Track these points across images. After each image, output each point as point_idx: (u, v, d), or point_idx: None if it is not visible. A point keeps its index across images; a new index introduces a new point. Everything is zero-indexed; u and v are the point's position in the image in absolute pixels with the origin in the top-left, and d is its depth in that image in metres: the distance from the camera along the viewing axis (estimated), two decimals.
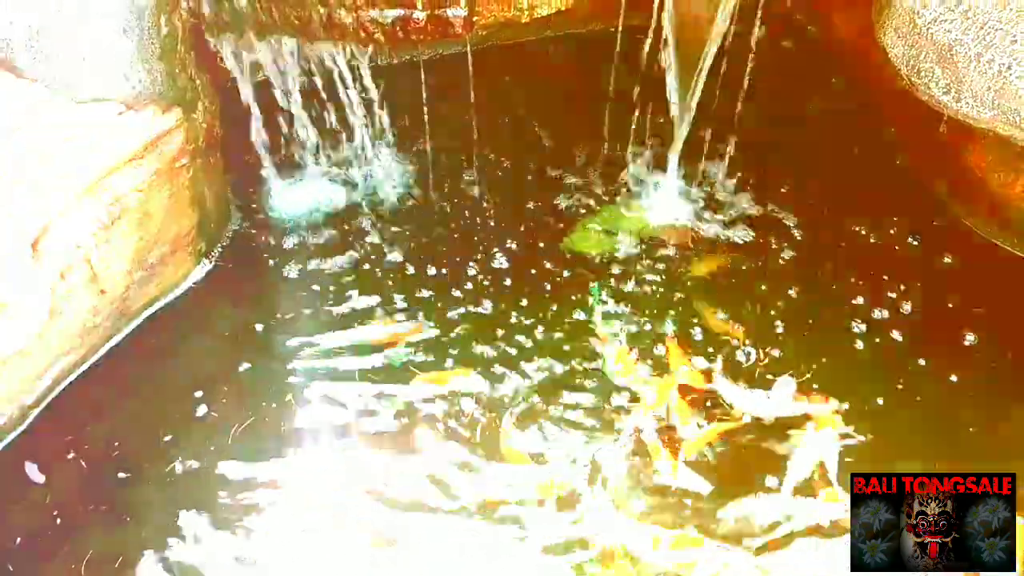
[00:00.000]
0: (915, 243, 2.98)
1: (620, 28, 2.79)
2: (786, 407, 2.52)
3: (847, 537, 2.00)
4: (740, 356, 2.65)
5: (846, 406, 2.52)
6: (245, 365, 2.62)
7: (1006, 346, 2.66)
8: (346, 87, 2.89)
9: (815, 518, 2.30)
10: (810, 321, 2.75)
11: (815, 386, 2.57)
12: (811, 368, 2.61)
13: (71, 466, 2.36)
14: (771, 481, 2.37)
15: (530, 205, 3.12)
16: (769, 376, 2.59)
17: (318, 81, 2.86)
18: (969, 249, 2.93)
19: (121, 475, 2.35)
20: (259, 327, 2.72)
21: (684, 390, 2.56)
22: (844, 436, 2.45)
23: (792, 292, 2.83)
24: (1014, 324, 2.72)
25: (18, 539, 2.21)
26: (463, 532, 2.27)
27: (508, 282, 2.87)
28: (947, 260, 2.91)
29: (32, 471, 2.33)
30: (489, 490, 2.35)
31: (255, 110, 2.85)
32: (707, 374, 2.60)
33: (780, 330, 2.71)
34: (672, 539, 2.26)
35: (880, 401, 2.54)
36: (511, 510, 2.32)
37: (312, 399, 2.55)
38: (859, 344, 2.68)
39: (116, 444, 2.41)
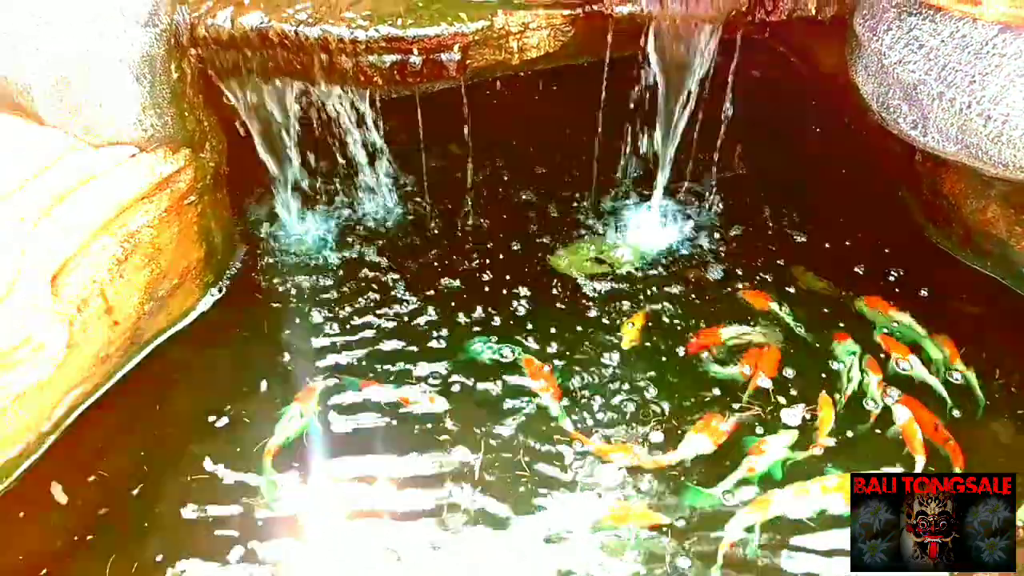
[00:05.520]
0: (900, 273, 3.07)
1: (608, 60, 2.92)
2: None
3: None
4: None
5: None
6: (252, 390, 2.72)
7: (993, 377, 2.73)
8: (347, 123, 3.03)
9: None
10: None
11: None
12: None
13: (86, 490, 2.45)
14: None
15: (520, 231, 3.27)
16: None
17: (320, 117, 3.01)
18: (947, 275, 3.05)
19: (135, 497, 2.44)
20: (265, 354, 2.83)
21: None
22: None
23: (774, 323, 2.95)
24: (998, 354, 2.79)
25: (35, 559, 2.30)
26: None
27: (516, 310, 2.98)
28: (923, 293, 3.01)
29: (54, 493, 2.42)
30: None
31: (260, 147, 2.98)
32: None
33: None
34: None
35: None
36: None
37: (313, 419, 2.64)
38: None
39: (130, 468, 2.50)
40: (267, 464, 2.48)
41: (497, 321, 2.92)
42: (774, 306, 2.95)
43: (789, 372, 2.76)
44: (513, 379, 2.74)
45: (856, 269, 3.09)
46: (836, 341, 2.83)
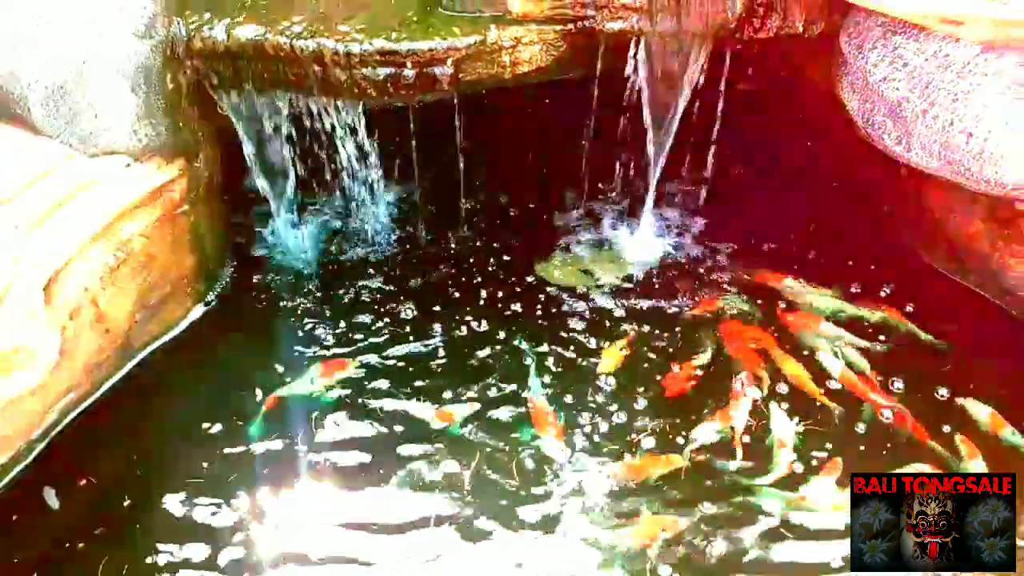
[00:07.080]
0: (889, 289, 3.10)
1: (598, 75, 2.96)
2: None
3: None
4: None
5: None
6: (244, 398, 2.73)
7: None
8: (340, 134, 3.05)
9: None
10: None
11: None
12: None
13: (76, 496, 2.46)
14: None
15: (512, 242, 3.31)
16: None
17: (313, 128, 3.03)
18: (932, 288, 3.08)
19: (126, 504, 2.45)
20: (256, 362, 2.84)
21: None
22: None
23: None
24: (983, 377, 2.79)
25: (27, 564, 2.30)
26: None
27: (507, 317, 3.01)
28: (909, 308, 3.01)
29: (46, 498, 2.43)
30: None
31: (253, 158, 3.00)
32: None
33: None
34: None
35: None
36: None
37: (302, 428, 2.66)
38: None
39: (121, 474, 2.51)
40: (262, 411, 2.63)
41: (501, 334, 2.95)
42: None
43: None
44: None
45: (843, 284, 3.11)
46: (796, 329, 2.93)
